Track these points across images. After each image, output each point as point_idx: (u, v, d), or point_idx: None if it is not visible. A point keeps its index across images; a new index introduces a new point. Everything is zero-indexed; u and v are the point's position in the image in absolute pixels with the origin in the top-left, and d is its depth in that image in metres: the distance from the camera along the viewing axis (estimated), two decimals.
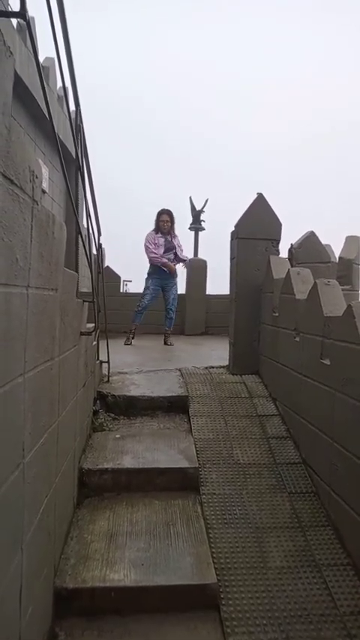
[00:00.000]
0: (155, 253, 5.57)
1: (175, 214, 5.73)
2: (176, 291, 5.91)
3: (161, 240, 5.65)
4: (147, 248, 5.60)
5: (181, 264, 5.89)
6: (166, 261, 5.63)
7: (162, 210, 5.69)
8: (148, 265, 5.72)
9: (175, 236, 5.75)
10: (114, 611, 1.73)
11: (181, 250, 5.82)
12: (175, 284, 5.89)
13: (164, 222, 5.62)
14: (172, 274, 5.76)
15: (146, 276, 5.77)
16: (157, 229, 5.66)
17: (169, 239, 5.67)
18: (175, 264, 5.76)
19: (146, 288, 5.70)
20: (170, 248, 5.69)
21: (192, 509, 2.27)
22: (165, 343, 5.73)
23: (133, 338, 5.61)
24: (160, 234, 5.64)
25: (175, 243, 5.71)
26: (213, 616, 1.73)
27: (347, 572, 1.92)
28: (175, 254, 5.73)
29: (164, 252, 5.64)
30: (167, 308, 5.84)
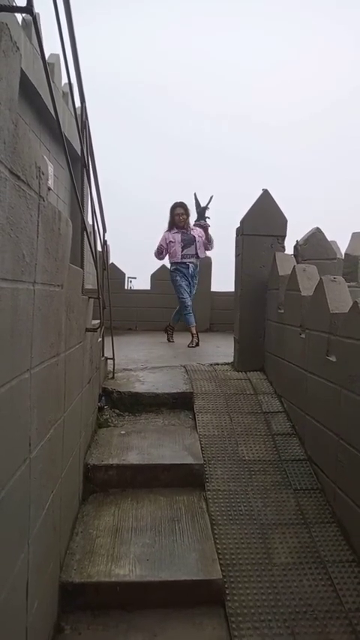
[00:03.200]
0: (158, 252, 5.44)
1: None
2: (194, 290, 5.61)
3: (178, 237, 5.36)
4: (157, 249, 5.46)
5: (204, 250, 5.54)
6: (161, 259, 5.49)
7: (175, 203, 5.40)
8: (157, 263, 5.62)
9: (193, 230, 5.43)
10: (119, 606, 1.74)
11: (207, 240, 5.47)
12: (196, 283, 5.59)
13: (179, 215, 5.33)
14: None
15: (170, 274, 5.53)
16: (172, 225, 5.40)
17: (188, 232, 5.37)
18: (197, 260, 5.46)
19: (179, 287, 5.39)
20: (189, 242, 5.37)
21: (197, 505, 2.27)
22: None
23: (197, 342, 5.29)
24: (175, 230, 5.37)
25: (196, 234, 5.39)
26: (218, 612, 1.74)
27: (352, 569, 1.92)
28: (196, 248, 5.40)
29: (183, 248, 5.34)
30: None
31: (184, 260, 5.36)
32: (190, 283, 5.43)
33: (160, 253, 5.48)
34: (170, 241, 5.37)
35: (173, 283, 5.47)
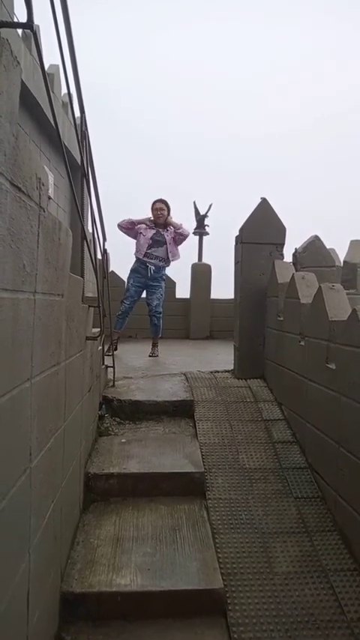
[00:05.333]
0: (125, 226, 4.89)
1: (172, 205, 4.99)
2: (162, 295, 5.09)
3: (149, 233, 4.90)
4: (121, 226, 4.90)
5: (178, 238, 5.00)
6: (128, 228, 4.89)
7: (156, 199, 4.98)
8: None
9: (171, 228, 4.98)
10: (120, 616, 1.73)
11: (180, 233, 4.99)
12: (161, 286, 5.06)
13: (157, 209, 4.90)
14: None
15: (128, 272, 5.03)
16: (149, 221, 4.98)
17: (162, 232, 4.93)
18: (166, 263, 4.98)
19: (127, 290, 5.03)
20: (160, 243, 4.90)
21: (198, 513, 2.26)
22: (150, 354, 5.09)
23: (116, 348, 4.79)
24: (152, 226, 4.94)
25: (168, 238, 4.94)
26: (220, 621, 1.73)
27: (354, 578, 1.91)
28: (167, 251, 4.93)
29: (150, 247, 4.88)
30: (150, 314, 5.09)
31: (146, 259, 4.92)
32: (145, 287, 5.02)
33: (127, 228, 4.94)
34: (141, 232, 4.92)
35: (127, 282, 5.09)
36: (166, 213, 4.95)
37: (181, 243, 5.10)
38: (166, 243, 4.95)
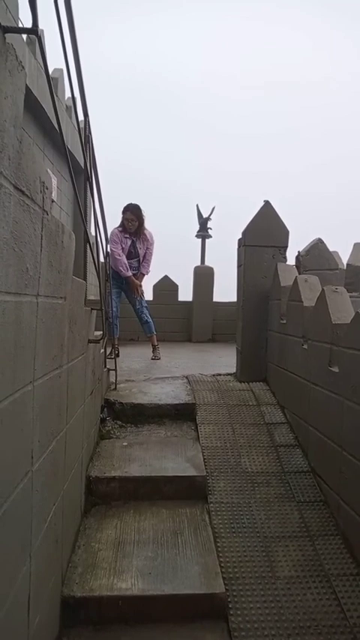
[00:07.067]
0: (120, 257, 4.68)
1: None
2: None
3: (127, 243, 4.77)
4: (112, 251, 4.61)
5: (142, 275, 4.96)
6: (130, 275, 4.79)
7: (126, 205, 4.72)
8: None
9: (144, 240, 4.86)
10: (121, 621, 1.72)
11: (147, 263, 4.95)
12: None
13: (128, 220, 4.69)
14: (134, 291, 4.89)
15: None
16: (123, 227, 4.77)
17: (136, 243, 4.83)
18: (138, 276, 4.95)
19: (109, 293, 4.70)
20: (134, 255, 4.87)
21: (200, 517, 2.26)
22: (152, 357, 5.06)
23: (117, 354, 4.39)
24: (126, 234, 4.75)
25: (141, 252, 4.88)
26: (221, 626, 1.72)
27: (357, 583, 1.90)
28: (139, 263, 4.91)
29: (128, 259, 4.82)
30: (137, 314, 5.05)
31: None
32: (121, 292, 4.97)
33: (120, 257, 4.72)
34: (121, 244, 4.77)
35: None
36: (137, 224, 4.75)
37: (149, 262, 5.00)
38: (139, 256, 4.89)
